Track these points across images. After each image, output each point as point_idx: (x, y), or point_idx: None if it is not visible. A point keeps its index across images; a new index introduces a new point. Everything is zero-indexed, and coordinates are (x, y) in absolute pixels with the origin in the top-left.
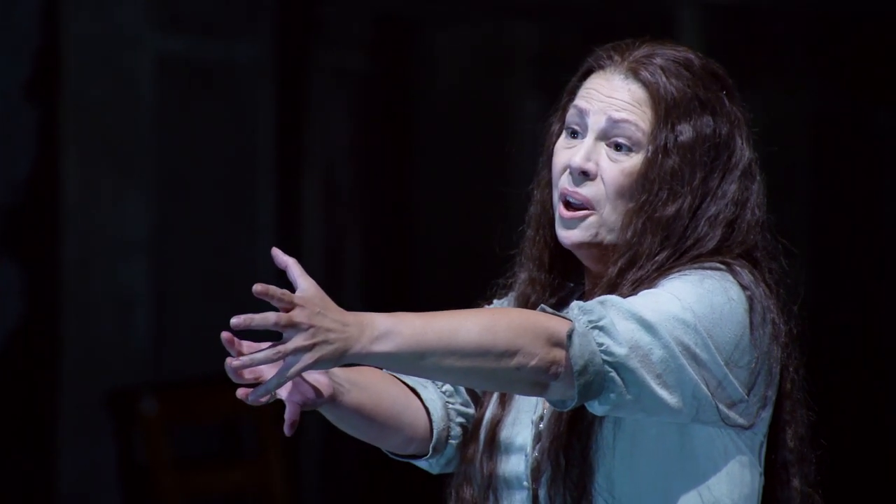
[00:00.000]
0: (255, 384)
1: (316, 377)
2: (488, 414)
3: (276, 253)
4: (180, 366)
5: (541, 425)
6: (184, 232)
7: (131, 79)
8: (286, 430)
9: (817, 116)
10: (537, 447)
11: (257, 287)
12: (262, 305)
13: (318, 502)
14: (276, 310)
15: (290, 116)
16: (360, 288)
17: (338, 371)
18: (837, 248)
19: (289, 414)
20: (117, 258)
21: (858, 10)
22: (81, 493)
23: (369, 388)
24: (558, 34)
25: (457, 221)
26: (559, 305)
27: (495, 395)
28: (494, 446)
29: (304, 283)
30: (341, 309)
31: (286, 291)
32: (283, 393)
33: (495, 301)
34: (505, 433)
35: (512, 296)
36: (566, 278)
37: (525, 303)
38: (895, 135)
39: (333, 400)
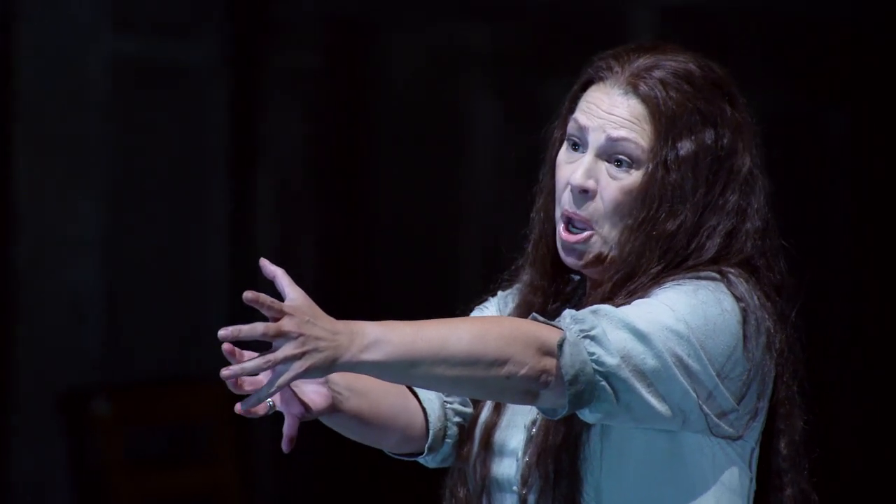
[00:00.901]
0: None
1: (315, 387)
2: (484, 414)
3: (264, 263)
4: (133, 366)
5: (533, 430)
6: (136, 232)
7: (84, 78)
8: (284, 445)
9: (771, 118)
10: (528, 453)
11: (248, 294)
12: (216, 306)
13: (273, 503)
14: (265, 319)
15: (244, 117)
16: (314, 288)
17: (336, 377)
18: (790, 249)
19: (287, 428)
20: (69, 258)
21: (812, 11)
22: (34, 495)
23: (368, 393)
24: (512, 35)
25: (411, 222)
26: (564, 308)
27: None
28: (489, 448)
29: (293, 293)
30: (331, 318)
31: (276, 300)
32: (281, 405)
33: (499, 293)
34: (499, 435)
35: (517, 288)
36: (569, 275)
37: (528, 308)
38: (848, 136)
39: (333, 409)
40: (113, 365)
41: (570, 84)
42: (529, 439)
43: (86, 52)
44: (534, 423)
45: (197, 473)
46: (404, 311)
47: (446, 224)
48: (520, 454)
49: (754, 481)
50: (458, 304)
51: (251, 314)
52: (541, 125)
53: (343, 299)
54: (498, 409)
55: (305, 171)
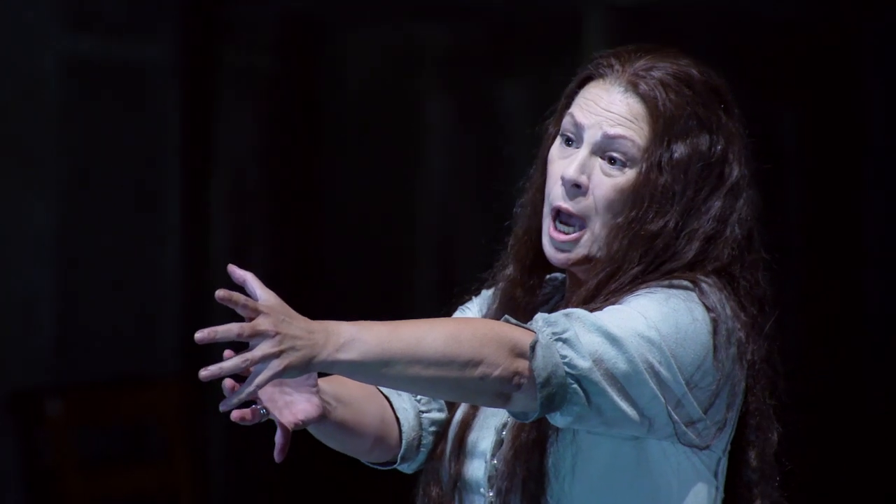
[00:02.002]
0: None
1: (307, 397)
2: (459, 414)
3: (233, 269)
4: (85, 367)
5: (503, 433)
6: (89, 233)
7: (36, 79)
8: (276, 455)
9: None
10: (497, 455)
11: (220, 293)
12: (169, 307)
13: (226, 503)
14: (240, 319)
15: (198, 118)
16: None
17: (325, 387)
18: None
19: (279, 437)
20: (22, 259)
21: (765, 12)
22: None
23: (353, 403)
24: (466, 35)
25: (366, 221)
26: (543, 305)
27: None
28: (461, 448)
29: (265, 294)
30: (305, 317)
31: (249, 299)
32: (273, 413)
33: (483, 292)
34: (472, 436)
35: (500, 287)
36: (550, 272)
37: (510, 302)
38: (799, 136)
39: (323, 418)
40: (65, 365)
41: (526, 83)
42: (499, 442)
43: (39, 52)
44: (504, 425)
45: (150, 473)
46: (360, 311)
47: (401, 224)
48: (488, 456)
49: (721, 491)
50: (413, 304)
51: (204, 315)
52: (496, 124)
53: (297, 300)
54: (472, 411)
55: (259, 171)
